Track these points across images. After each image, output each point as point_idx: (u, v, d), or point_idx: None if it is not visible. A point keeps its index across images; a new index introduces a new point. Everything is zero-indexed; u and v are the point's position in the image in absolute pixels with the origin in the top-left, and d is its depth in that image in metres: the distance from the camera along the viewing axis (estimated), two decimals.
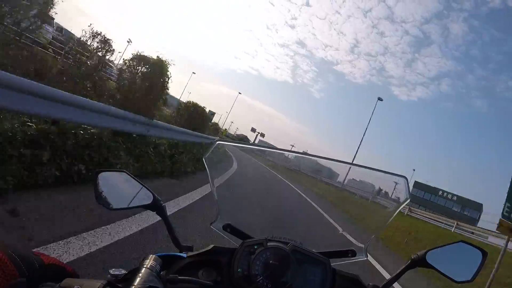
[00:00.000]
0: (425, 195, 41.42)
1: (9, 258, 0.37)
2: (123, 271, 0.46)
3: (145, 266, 0.46)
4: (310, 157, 0.89)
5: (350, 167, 0.88)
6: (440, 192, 41.11)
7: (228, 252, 0.70)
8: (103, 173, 0.72)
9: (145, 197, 0.73)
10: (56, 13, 4.73)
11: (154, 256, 0.50)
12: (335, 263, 0.75)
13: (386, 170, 0.77)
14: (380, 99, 26.64)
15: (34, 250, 0.44)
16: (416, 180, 44.43)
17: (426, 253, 0.70)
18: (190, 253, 0.70)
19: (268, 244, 0.70)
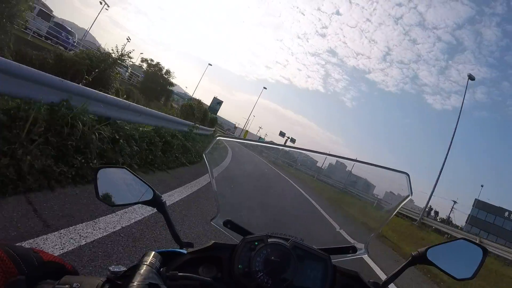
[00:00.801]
0: (487, 217, 33.76)
1: (8, 255, 0.37)
2: (123, 268, 0.46)
3: (145, 262, 0.46)
4: (314, 154, 0.88)
5: (353, 164, 0.87)
6: (507, 213, 32.94)
7: (228, 248, 0.70)
8: (103, 170, 0.72)
9: (146, 193, 0.73)
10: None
11: (154, 252, 0.50)
12: (336, 259, 0.75)
13: (388, 167, 0.77)
14: (471, 78, 18.41)
15: (33, 247, 0.44)
16: (476, 198, 35.98)
17: (427, 250, 0.69)
18: (190, 249, 0.70)
19: (269, 240, 0.70)
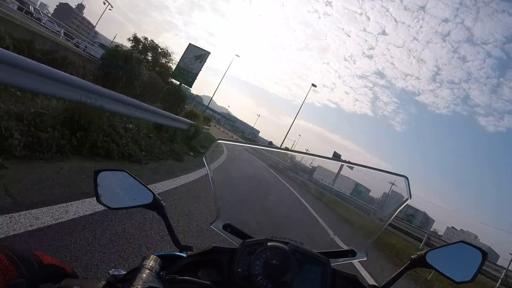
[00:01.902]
0: None
1: (8, 258, 0.37)
2: (123, 272, 0.46)
3: (144, 266, 0.46)
4: (313, 157, 0.89)
5: (353, 167, 0.88)
6: None
7: (228, 252, 0.70)
8: (103, 173, 0.72)
9: (145, 196, 0.73)
10: None
11: (154, 256, 0.50)
12: (335, 263, 0.75)
13: (387, 170, 0.77)
14: None
15: (34, 250, 0.44)
16: None
17: (426, 253, 0.69)
18: (190, 253, 0.70)
19: (268, 244, 0.70)
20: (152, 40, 14.39)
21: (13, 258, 0.38)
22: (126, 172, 0.73)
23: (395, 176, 0.75)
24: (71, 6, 54.27)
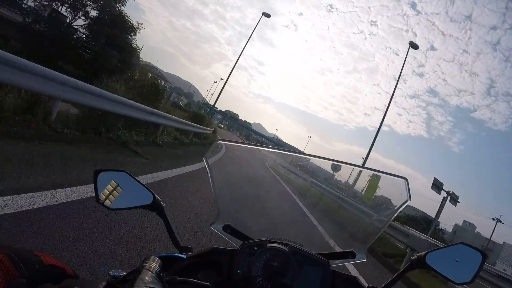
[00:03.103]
0: None
1: (9, 258, 0.37)
2: (123, 272, 0.46)
3: (145, 267, 0.46)
4: (312, 158, 0.89)
5: (352, 169, 0.88)
6: None
7: (228, 253, 0.70)
8: (102, 173, 0.72)
9: (145, 197, 0.73)
10: None
11: (154, 257, 0.50)
12: (335, 264, 0.75)
13: (387, 172, 0.77)
14: None
15: (34, 251, 0.44)
16: None
17: (426, 254, 0.69)
18: (190, 254, 0.70)
19: (268, 245, 0.70)
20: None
21: (14, 258, 0.38)
22: (126, 172, 0.73)
23: (395, 177, 0.75)
24: None
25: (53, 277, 0.43)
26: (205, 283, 0.59)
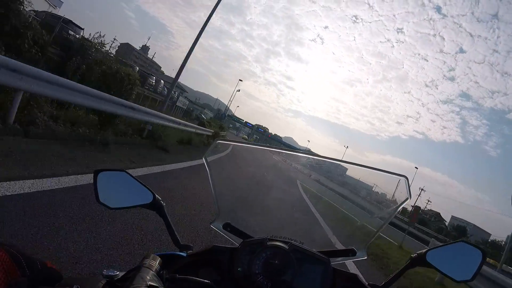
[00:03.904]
0: None
1: (11, 257, 0.37)
2: (117, 272, 0.46)
3: (145, 265, 0.46)
4: (311, 157, 0.89)
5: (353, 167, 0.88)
6: None
7: (228, 252, 0.70)
8: (102, 173, 0.72)
9: (145, 196, 0.73)
10: None
11: (153, 255, 0.50)
12: (335, 262, 0.75)
13: (387, 170, 0.77)
14: None
15: (34, 254, 0.44)
16: None
17: (426, 252, 0.69)
18: (190, 252, 0.70)
19: (268, 243, 0.70)
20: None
21: (16, 257, 0.38)
22: (125, 172, 0.73)
23: (395, 176, 0.75)
24: (132, 46, 59.88)
25: (53, 278, 0.43)
26: (205, 281, 0.59)
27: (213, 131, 15.76)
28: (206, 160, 0.78)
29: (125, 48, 56.48)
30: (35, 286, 0.40)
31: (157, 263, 0.49)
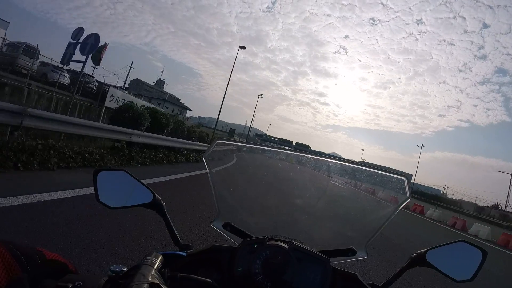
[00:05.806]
0: None
1: (11, 253, 0.37)
2: (124, 268, 0.46)
3: (146, 262, 0.46)
4: (310, 156, 0.89)
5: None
6: None
7: (228, 251, 0.70)
8: (102, 172, 0.72)
9: (145, 195, 0.73)
10: None
11: (156, 253, 0.51)
12: (335, 261, 0.75)
13: (388, 170, 0.77)
14: None
15: (36, 246, 0.44)
16: None
17: (426, 252, 0.69)
18: (190, 252, 0.70)
19: (268, 242, 0.70)
20: None
21: (16, 253, 0.38)
22: (125, 171, 0.73)
23: (395, 176, 0.75)
24: (141, 81, 64.03)
25: (55, 272, 0.44)
26: (206, 279, 0.59)
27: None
28: (206, 159, 0.78)
29: (136, 83, 60.76)
30: (37, 281, 0.40)
31: (159, 261, 0.49)
